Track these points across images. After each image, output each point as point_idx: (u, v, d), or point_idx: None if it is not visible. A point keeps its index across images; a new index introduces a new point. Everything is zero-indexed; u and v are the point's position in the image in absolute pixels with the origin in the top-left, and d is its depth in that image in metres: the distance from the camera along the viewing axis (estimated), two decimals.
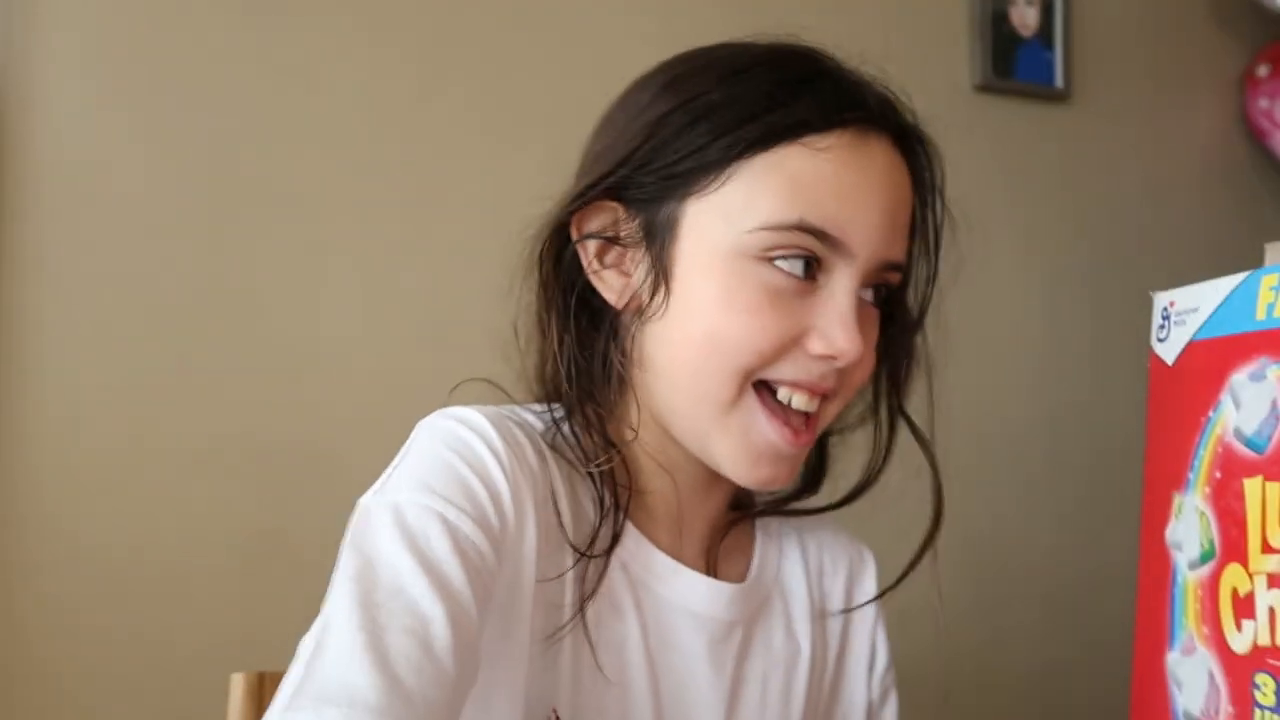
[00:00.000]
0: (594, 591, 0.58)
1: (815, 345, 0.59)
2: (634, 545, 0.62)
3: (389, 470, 0.59)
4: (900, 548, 0.70)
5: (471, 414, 0.59)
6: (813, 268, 0.58)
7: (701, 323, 0.58)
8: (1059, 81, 1.61)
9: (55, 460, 1.10)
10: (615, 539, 0.59)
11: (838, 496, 0.72)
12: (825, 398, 0.61)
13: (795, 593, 0.70)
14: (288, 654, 1.22)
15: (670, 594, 0.62)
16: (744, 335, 0.57)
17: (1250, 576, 0.48)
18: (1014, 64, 1.58)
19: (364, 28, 1.24)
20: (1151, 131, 1.72)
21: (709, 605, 0.64)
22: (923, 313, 0.67)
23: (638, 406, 0.63)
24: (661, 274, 0.59)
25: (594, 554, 0.58)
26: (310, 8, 1.22)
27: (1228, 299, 0.52)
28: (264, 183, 1.19)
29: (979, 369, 1.56)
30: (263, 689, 0.86)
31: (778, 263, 0.58)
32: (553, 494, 0.59)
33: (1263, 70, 1.72)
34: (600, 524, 0.59)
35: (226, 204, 1.18)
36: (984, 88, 1.57)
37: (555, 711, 0.57)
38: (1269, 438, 0.48)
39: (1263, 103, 1.71)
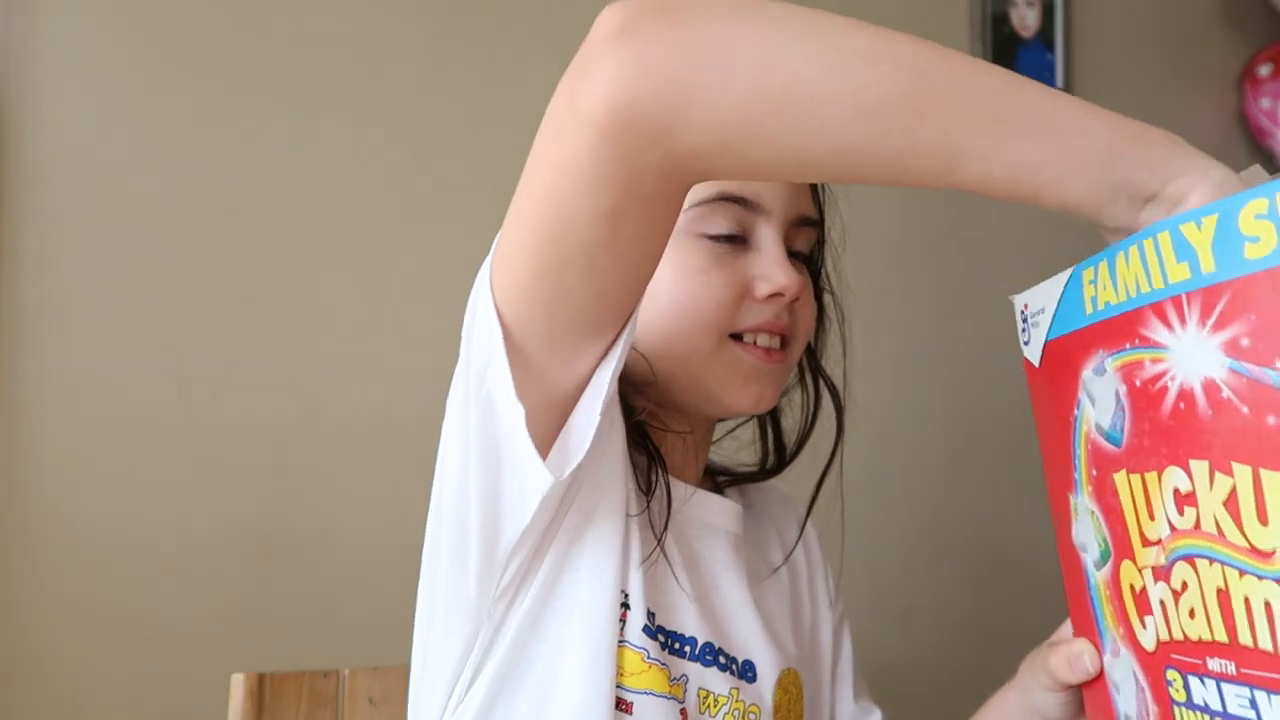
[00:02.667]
0: (669, 513, 0.68)
1: (761, 288, 0.69)
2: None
3: None
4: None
5: None
6: (741, 232, 0.69)
7: (667, 295, 0.68)
8: (1059, 82, 1.61)
9: (55, 460, 1.10)
10: (666, 485, 0.70)
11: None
12: (785, 339, 0.72)
13: (767, 536, 0.82)
14: (288, 654, 1.23)
15: (692, 511, 0.72)
16: (702, 292, 0.68)
17: (1140, 571, 0.48)
18: (1014, 65, 1.58)
19: (367, 30, 1.24)
20: None
21: (723, 519, 0.74)
22: (816, 273, 0.79)
23: (641, 379, 0.72)
24: None
25: (648, 490, 0.69)
26: (313, 9, 1.22)
27: (1062, 296, 0.51)
28: (264, 183, 1.19)
29: (978, 369, 1.56)
30: (263, 689, 0.86)
31: (710, 233, 0.69)
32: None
33: (1264, 70, 1.72)
34: (649, 469, 0.69)
35: (226, 204, 1.18)
36: None
37: (625, 591, 0.64)
38: (1121, 429, 0.47)
39: (1264, 102, 1.71)
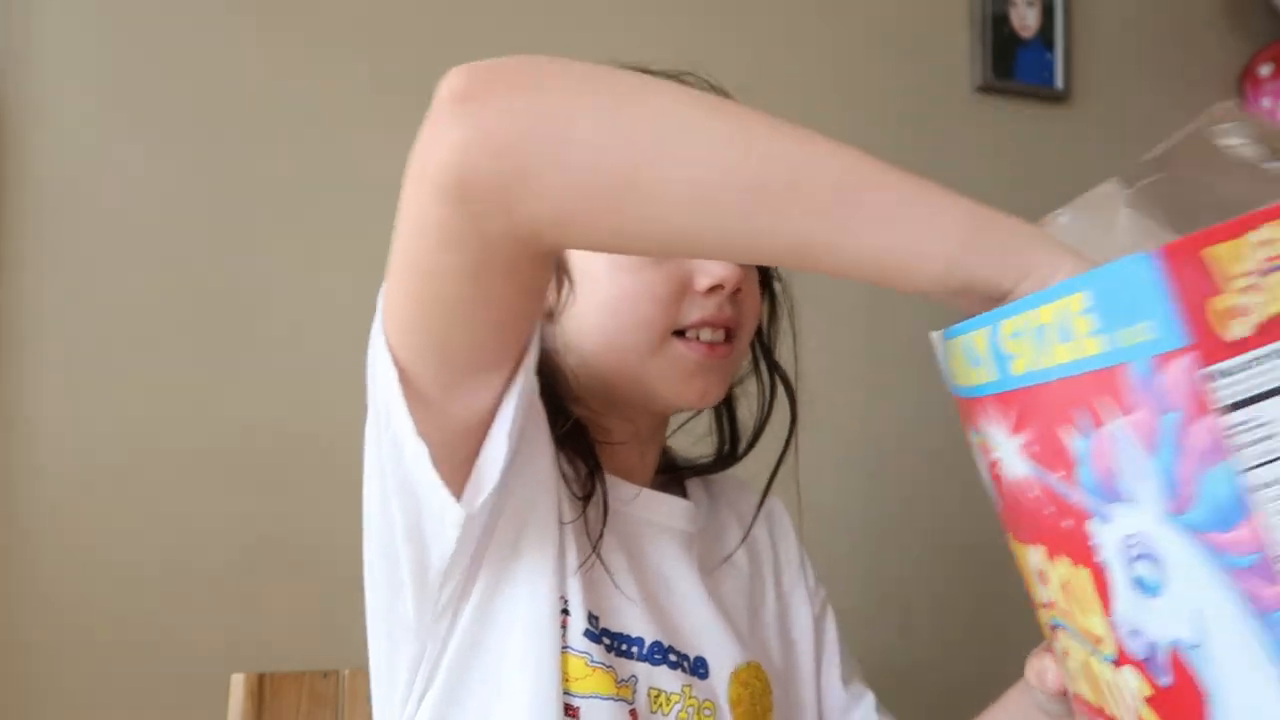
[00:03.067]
0: (604, 521, 0.68)
1: (701, 281, 0.68)
2: (608, 482, 0.72)
3: None
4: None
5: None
6: None
7: (605, 295, 0.68)
8: (1059, 82, 1.61)
9: (55, 461, 1.10)
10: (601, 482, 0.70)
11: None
12: (730, 332, 0.70)
13: (726, 524, 0.81)
14: (288, 654, 1.23)
15: (639, 512, 0.72)
16: (640, 290, 0.67)
17: (1045, 625, 0.47)
18: (1014, 65, 1.58)
19: (365, 28, 1.24)
20: (1151, 131, 1.72)
21: (671, 518, 0.74)
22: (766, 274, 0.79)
23: (578, 383, 0.71)
24: (561, 271, 0.69)
25: (584, 496, 0.68)
26: (311, 8, 1.22)
27: (943, 358, 0.48)
28: (264, 183, 1.19)
29: None
30: (262, 689, 0.86)
31: None
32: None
33: (1264, 70, 1.72)
34: (589, 476, 0.69)
35: (227, 205, 1.18)
36: (984, 88, 1.57)
37: (564, 598, 0.64)
38: (997, 500, 0.45)
39: (1265, 102, 1.71)
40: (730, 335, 0.70)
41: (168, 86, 1.16)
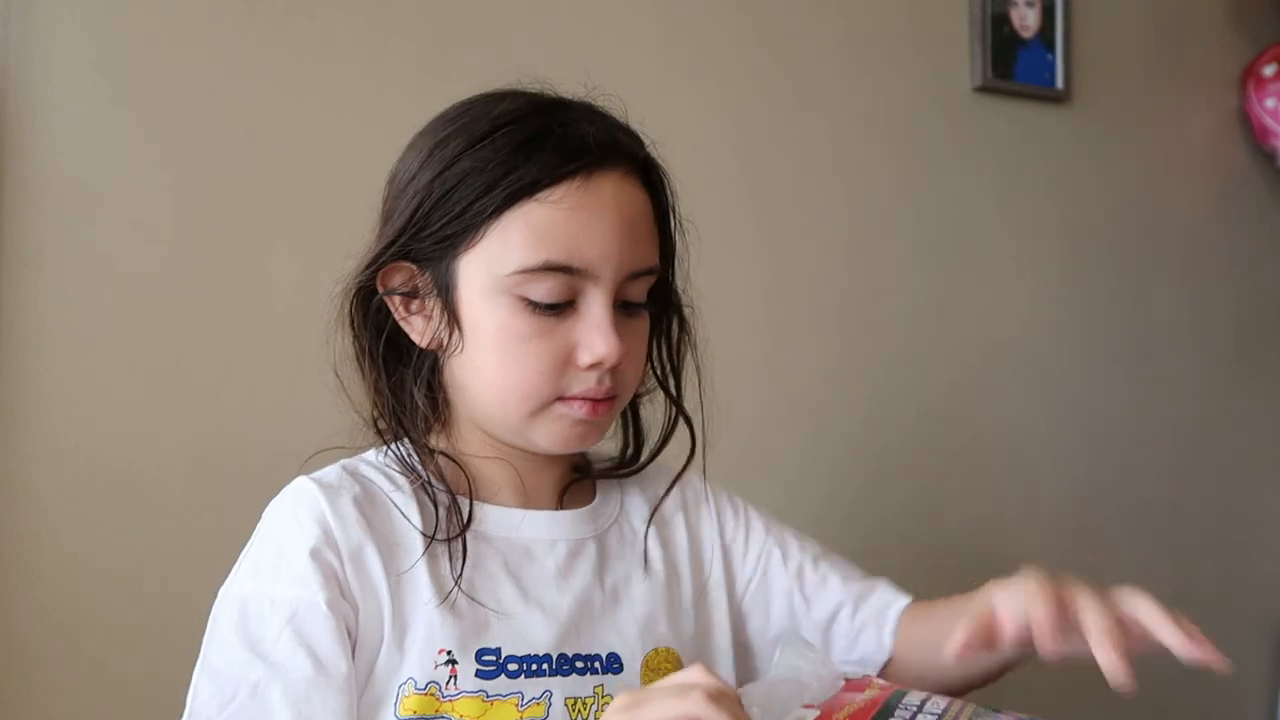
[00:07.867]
0: (464, 559, 0.72)
1: (583, 357, 0.70)
2: (488, 516, 0.75)
3: (242, 554, 0.78)
4: None
5: (303, 494, 0.75)
6: (568, 297, 0.70)
7: (492, 354, 0.71)
8: (1059, 83, 1.62)
9: (53, 465, 1.10)
10: (467, 522, 0.73)
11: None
12: (610, 400, 0.73)
13: (637, 511, 0.83)
14: None
15: (525, 535, 0.76)
16: (525, 361, 0.70)
17: None
18: (1014, 65, 1.58)
19: (366, 30, 1.24)
20: (1151, 132, 1.72)
21: (558, 530, 0.77)
22: (670, 304, 0.80)
23: (462, 419, 0.77)
24: (453, 319, 0.72)
25: (442, 539, 0.72)
26: (312, 9, 1.22)
27: None
28: (264, 186, 1.19)
29: (979, 368, 1.56)
30: None
31: (534, 299, 0.69)
32: (396, 510, 0.73)
33: (1269, 70, 1.72)
34: (439, 516, 0.72)
35: (227, 207, 1.17)
36: (984, 89, 1.57)
37: (446, 650, 0.68)
38: None
39: (1270, 102, 1.71)
40: (610, 402, 0.73)
41: (168, 86, 1.16)
